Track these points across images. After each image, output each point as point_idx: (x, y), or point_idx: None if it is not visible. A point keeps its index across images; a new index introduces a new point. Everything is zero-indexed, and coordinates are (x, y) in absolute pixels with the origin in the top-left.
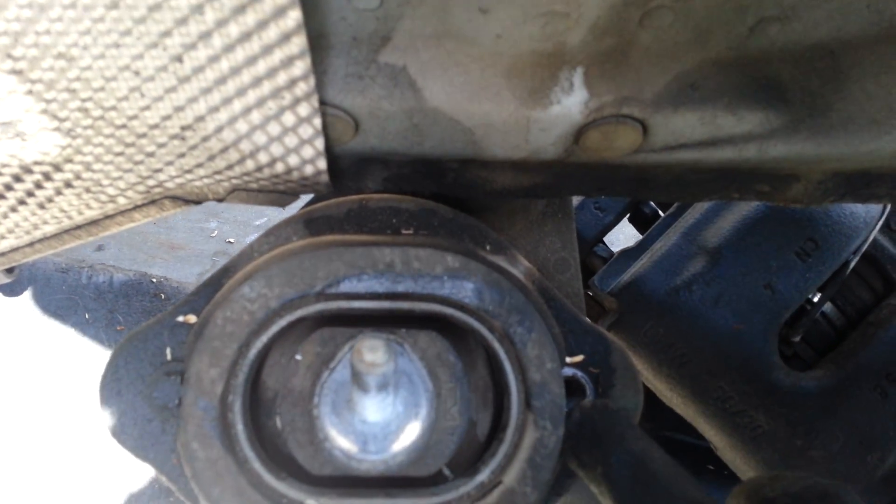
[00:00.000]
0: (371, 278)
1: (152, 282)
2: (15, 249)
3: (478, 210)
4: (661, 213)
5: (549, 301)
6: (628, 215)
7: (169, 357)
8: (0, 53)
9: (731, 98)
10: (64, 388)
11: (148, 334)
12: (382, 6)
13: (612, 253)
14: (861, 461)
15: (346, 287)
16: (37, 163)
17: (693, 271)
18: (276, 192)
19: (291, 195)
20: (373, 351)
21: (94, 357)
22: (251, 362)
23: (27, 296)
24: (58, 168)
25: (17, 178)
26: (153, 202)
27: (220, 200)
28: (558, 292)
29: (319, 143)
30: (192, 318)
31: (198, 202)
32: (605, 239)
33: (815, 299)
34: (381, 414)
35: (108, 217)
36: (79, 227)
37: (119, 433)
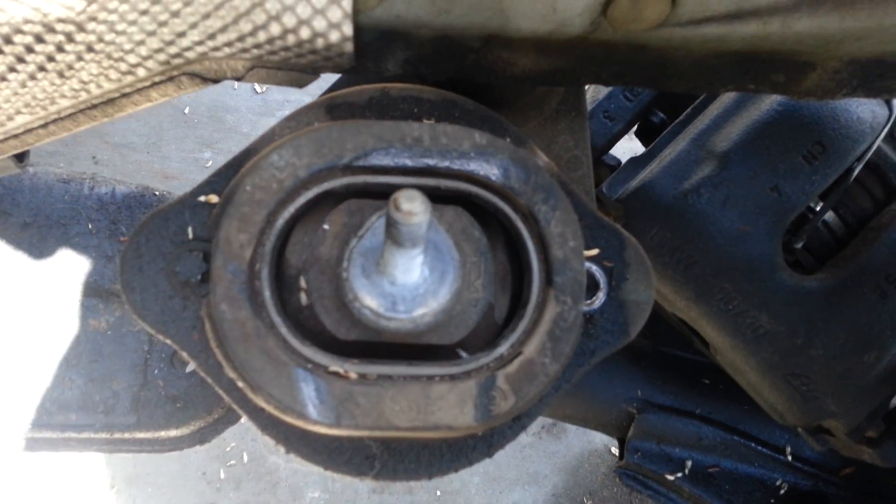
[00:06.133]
0: (399, 152)
1: (155, 194)
2: (29, 130)
3: (494, 105)
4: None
5: (567, 194)
6: (636, 128)
7: (191, 236)
8: None
9: None
10: (69, 296)
11: (169, 213)
12: None
13: (619, 162)
14: (859, 360)
15: (374, 160)
16: (60, 20)
17: (701, 175)
18: (296, 69)
19: (311, 73)
20: (410, 200)
21: (99, 266)
22: (278, 231)
23: (29, 203)
24: (81, 27)
25: (39, 39)
26: (171, 79)
27: (239, 79)
28: (575, 187)
29: (347, 4)
30: (213, 198)
31: (216, 80)
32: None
33: (818, 208)
34: (410, 275)
35: (124, 95)
36: (94, 105)
37: (140, 309)
